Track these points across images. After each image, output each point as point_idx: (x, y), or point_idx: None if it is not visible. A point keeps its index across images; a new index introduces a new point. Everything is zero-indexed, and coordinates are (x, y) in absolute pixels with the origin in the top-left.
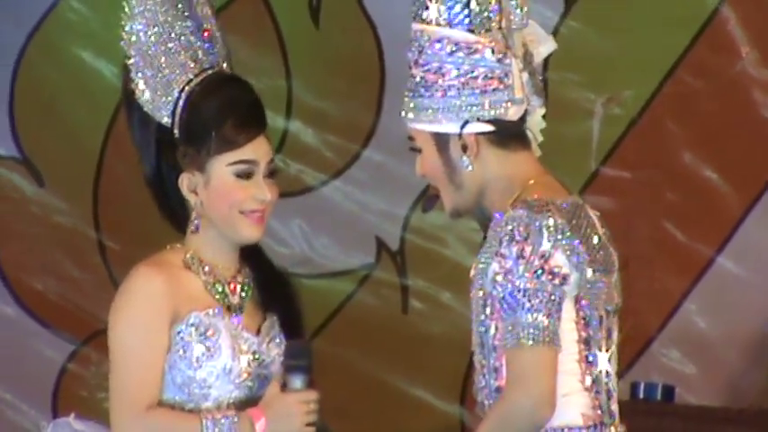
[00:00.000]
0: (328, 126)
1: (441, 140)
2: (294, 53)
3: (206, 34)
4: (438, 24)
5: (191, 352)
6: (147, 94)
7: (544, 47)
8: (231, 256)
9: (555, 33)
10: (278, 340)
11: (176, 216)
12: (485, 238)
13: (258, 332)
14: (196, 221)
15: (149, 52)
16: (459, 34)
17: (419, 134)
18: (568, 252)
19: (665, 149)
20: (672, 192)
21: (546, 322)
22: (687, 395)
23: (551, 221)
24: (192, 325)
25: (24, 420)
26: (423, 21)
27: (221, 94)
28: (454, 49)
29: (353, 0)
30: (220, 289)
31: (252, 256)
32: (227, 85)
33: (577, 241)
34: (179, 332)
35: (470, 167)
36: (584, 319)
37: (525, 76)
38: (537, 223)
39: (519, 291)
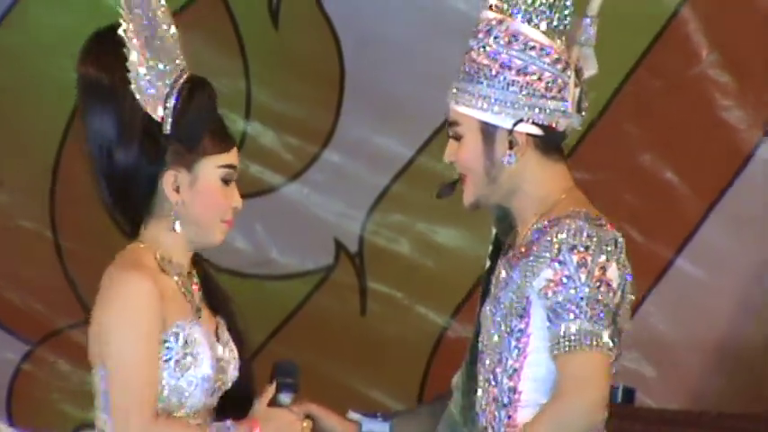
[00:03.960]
0: (287, 128)
1: (488, 131)
2: (253, 54)
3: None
4: (518, 18)
5: (175, 361)
6: (143, 82)
7: (591, 70)
8: (189, 257)
9: None
10: (231, 345)
11: (133, 213)
12: (497, 236)
13: (217, 337)
14: (177, 221)
15: (146, 36)
16: (536, 34)
17: (467, 120)
18: (621, 267)
19: (624, 151)
20: (631, 194)
21: (605, 331)
22: (646, 398)
23: (610, 235)
24: (177, 333)
25: None
26: (502, 11)
27: (214, 95)
28: (527, 47)
29: (313, 1)
30: (189, 290)
31: (196, 259)
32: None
33: (624, 258)
34: (165, 341)
35: (512, 164)
36: (618, 332)
37: (577, 92)
38: (598, 236)
39: (582, 299)
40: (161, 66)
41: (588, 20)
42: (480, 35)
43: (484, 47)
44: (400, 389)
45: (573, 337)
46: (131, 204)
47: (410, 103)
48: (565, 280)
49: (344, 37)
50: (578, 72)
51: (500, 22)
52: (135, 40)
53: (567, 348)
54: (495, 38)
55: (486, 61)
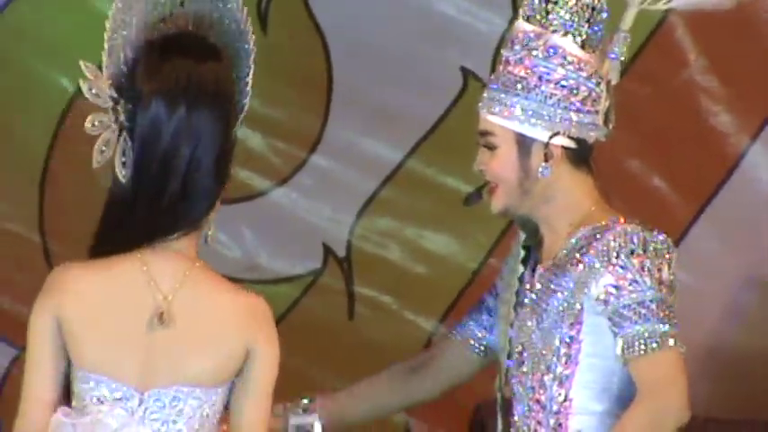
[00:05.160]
0: (275, 132)
1: (524, 143)
2: None
3: None
4: (556, 32)
5: None
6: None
7: (614, 81)
8: None
9: (502, 41)
10: None
11: (183, 227)
12: (529, 243)
13: None
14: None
15: None
16: (574, 48)
17: (502, 132)
18: (672, 268)
19: (612, 157)
20: (619, 200)
21: (674, 329)
22: None
23: (663, 238)
24: None
25: None
26: (541, 25)
27: None
28: (565, 61)
29: (302, 6)
30: None
31: None
32: None
33: (676, 260)
34: None
35: (547, 176)
36: None
37: (607, 104)
38: (653, 239)
39: (652, 301)
40: None
41: (622, 34)
42: (517, 47)
43: (521, 59)
44: None
45: (648, 340)
46: (193, 218)
47: (398, 107)
48: (629, 284)
49: (333, 41)
50: (608, 85)
51: (538, 35)
52: None
53: (642, 351)
54: (534, 50)
55: (523, 73)
